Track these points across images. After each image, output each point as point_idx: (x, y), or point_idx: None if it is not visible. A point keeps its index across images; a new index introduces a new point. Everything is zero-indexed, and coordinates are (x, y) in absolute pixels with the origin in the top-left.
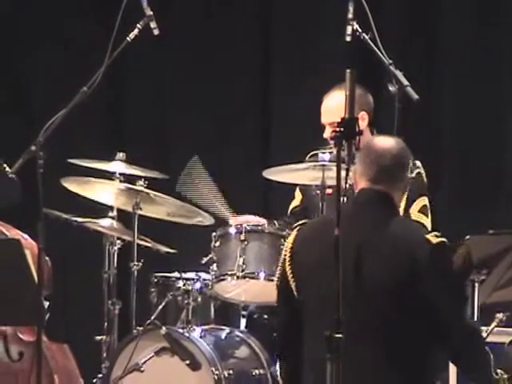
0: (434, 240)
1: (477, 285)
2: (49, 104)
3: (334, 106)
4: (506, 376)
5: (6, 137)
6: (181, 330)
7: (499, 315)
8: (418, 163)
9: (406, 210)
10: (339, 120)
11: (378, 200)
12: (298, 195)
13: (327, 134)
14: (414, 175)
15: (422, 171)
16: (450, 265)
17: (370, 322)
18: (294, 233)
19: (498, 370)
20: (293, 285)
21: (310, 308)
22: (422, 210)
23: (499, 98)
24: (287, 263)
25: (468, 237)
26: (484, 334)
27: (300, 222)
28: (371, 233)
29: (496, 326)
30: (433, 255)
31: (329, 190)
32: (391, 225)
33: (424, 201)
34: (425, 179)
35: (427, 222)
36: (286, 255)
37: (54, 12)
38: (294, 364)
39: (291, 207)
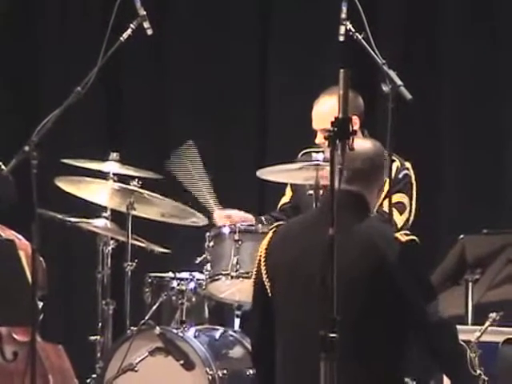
0: (404, 238)
1: (471, 284)
2: (49, 104)
3: (324, 112)
4: (486, 378)
5: (5, 136)
6: (175, 330)
7: (493, 315)
8: (408, 165)
9: (381, 203)
10: (332, 122)
11: (350, 201)
12: (289, 192)
13: (319, 140)
14: (400, 176)
15: (411, 174)
16: (419, 262)
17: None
18: (270, 234)
19: (478, 370)
20: (267, 285)
21: (284, 308)
22: (395, 206)
23: (498, 97)
24: (262, 264)
25: (462, 236)
26: (477, 334)
27: (275, 224)
28: (342, 233)
29: (490, 326)
30: (402, 253)
31: (311, 192)
32: (362, 225)
33: (401, 198)
34: (413, 181)
35: (399, 218)
36: (260, 256)
37: (55, 10)
38: (268, 364)
39: (281, 203)
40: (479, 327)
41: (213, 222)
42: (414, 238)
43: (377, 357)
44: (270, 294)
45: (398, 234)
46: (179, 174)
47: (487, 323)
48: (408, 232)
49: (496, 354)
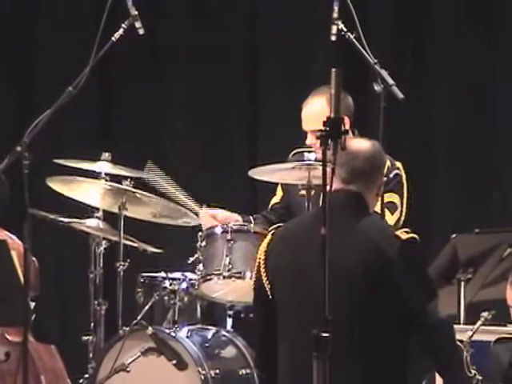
0: (404, 236)
1: (463, 283)
2: (42, 104)
3: (313, 113)
4: (480, 378)
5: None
6: (167, 330)
7: (484, 314)
8: (398, 164)
9: None
10: (321, 126)
11: (350, 201)
12: (279, 192)
13: (309, 141)
14: (391, 176)
15: (401, 173)
16: (419, 260)
17: (342, 321)
18: (269, 236)
19: (473, 371)
20: (267, 287)
21: (285, 309)
22: (387, 206)
23: (492, 96)
24: (261, 266)
25: (454, 235)
26: (469, 333)
27: (275, 226)
28: (342, 233)
29: (482, 325)
30: (402, 251)
31: (302, 192)
32: (362, 224)
33: (392, 197)
34: (403, 181)
35: (390, 218)
36: (260, 258)
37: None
38: (272, 365)
39: (271, 203)
40: (471, 326)
41: (200, 222)
42: (414, 235)
43: (379, 356)
44: (270, 297)
45: (398, 232)
46: (155, 189)
47: (479, 322)
48: (408, 230)
49: (487, 353)
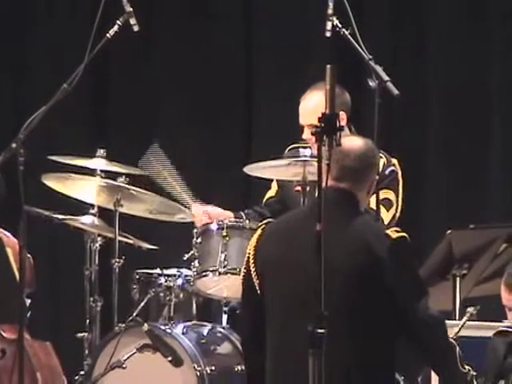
0: (394, 235)
1: (458, 279)
2: (37, 101)
3: (311, 107)
4: (474, 373)
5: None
6: (163, 327)
7: (470, 309)
8: (394, 161)
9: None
10: (319, 118)
11: (340, 198)
12: (274, 186)
13: (306, 135)
14: (387, 172)
15: (397, 170)
16: (410, 259)
17: (332, 319)
18: (258, 231)
19: (467, 366)
20: (256, 282)
21: (274, 304)
22: (382, 202)
23: (487, 93)
24: (251, 261)
25: (449, 231)
26: (456, 329)
27: (265, 221)
28: (332, 230)
29: (469, 320)
30: (392, 250)
31: (297, 188)
32: (352, 223)
33: (388, 194)
34: (399, 178)
35: (385, 214)
36: (249, 253)
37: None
38: (258, 360)
39: (266, 197)
40: (467, 322)
41: (191, 218)
42: (404, 234)
43: (370, 353)
44: (258, 291)
45: (388, 231)
46: (152, 176)
47: (464, 318)
48: (398, 229)
49: (481, 348)
